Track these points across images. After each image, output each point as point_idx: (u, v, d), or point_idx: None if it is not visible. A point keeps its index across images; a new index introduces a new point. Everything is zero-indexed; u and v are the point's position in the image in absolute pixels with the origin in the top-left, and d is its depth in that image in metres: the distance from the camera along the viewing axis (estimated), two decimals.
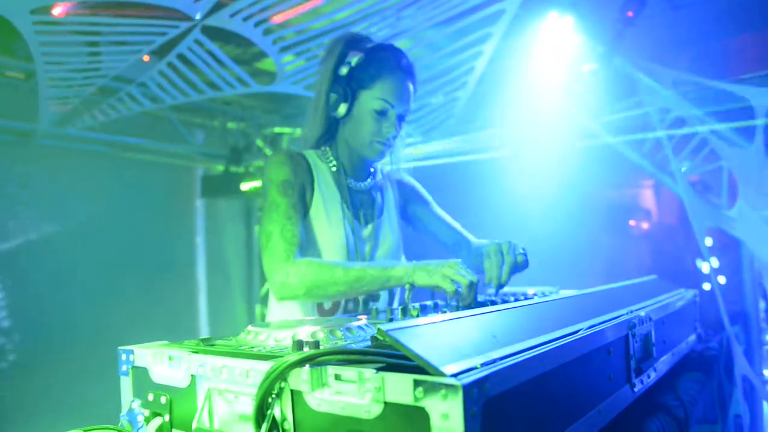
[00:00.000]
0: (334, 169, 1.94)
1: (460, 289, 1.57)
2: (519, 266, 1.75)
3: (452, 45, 3.58)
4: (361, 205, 1.99)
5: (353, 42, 1.89)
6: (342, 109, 1.84)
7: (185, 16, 3.04)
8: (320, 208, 1.86)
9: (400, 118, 1.90)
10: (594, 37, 3.67)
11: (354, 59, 1.84)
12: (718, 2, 3.40)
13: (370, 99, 1.83)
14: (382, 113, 1.84)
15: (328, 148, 1.97)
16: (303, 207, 1.83)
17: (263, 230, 1.76)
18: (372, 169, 2.07)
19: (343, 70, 1.84)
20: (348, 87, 1.83)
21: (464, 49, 3.62)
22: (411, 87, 1.90)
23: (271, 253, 1.71)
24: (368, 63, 1.84)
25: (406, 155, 2.16)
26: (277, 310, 1.91)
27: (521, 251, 1.76)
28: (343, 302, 1.90)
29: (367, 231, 1.97)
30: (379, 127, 1.86)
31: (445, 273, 1.59)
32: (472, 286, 1.57)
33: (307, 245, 1.82)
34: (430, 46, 3.64)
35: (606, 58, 3.74)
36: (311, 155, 1.95)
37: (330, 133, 1.96)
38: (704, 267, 4.28)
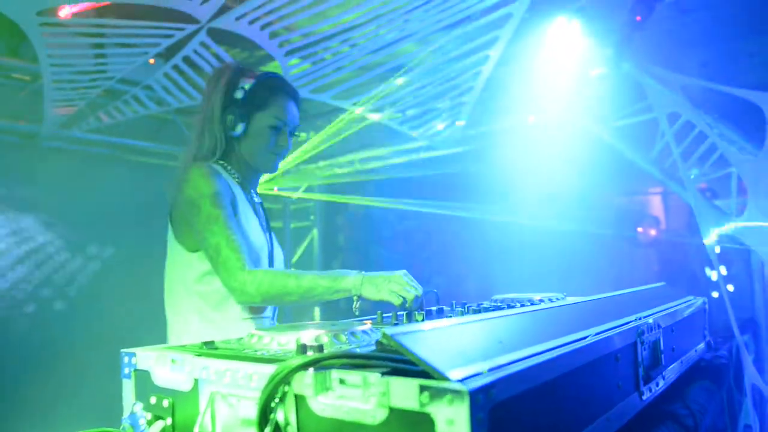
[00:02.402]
0: (237, 181, 2.11)
1: (405, 303, 1.72)
2: None
3: (459, 49, 3.58)
4: (260, 217, 2.18)
5: (241, 70, 2.14)
6: (239, 128, 2.06)
7: (191, 18, 3.04)
8: (244, 220, 2.03)
9: (290, 134, 2.18)
10: (602, 41, 3.66)
11: (247, 84, 2.10)
12: (727, 6, 3.38)
13: (266, 117, 2.09)
14: (276, 129, 2.11)
15: (224, 163, 2.13)
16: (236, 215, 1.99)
17: (208, 245, 1.88)
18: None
19: (238, 94, 2.08)
20: (243, 109, 2.07)
21: (471, 53, 3.61)
22: (296, 108, 2.19)
23: (224, 266, 1.84)
24: (261, 87, 2.10)
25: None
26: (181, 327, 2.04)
27: None
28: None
29: (269, 240, 2.17)
30: (275, 141, 2.12)
31: (392, 288, 1.75)
32: (417, 299, 1.74)
33: None
34: (437, 50, 3.63)
35: (614, 63, 3.72)
36: (218, 167, 2.09)
37: (224, 149, 2.12)
38: (713, 275, 4.25)
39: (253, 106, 2.08)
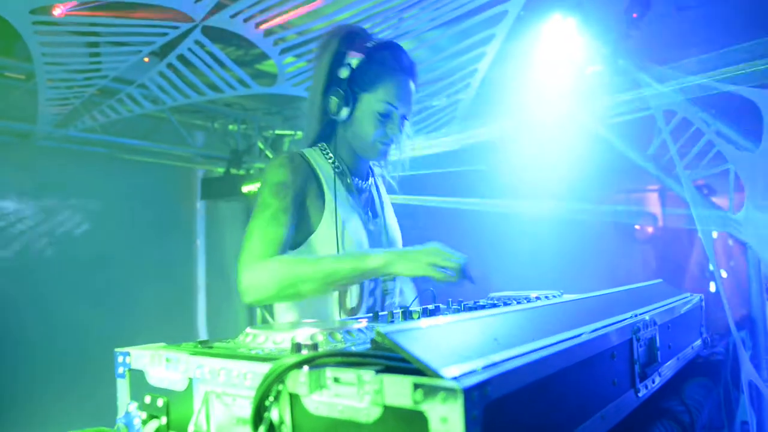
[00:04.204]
0: (335, 167, 1.90)
1: (451, 275, 1.56)
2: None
3: (455, 46, 3.57)
4: (366, 203, 1.97)
5: (350, 39, 1.84)
6: (344, 112, 1.80)
7: (186, 16, 3.03)
8: (332, 208, 1.82)
9: (403, 118, 1.88)
10: (598, 38, 3.66)
11: (354, 60, 1.80)
12: (724, 3, 3.38)
13: (373, 101, 1.80)
14: (385, 115, 1.82)
15: (326, 145, 1.93)
16: (297, 210, 1.77)
17: (246, 230, 1.70)
18: (369, 167, 2.06)
19: (343, 73, 1.80)
20: (349, 89, 1.79)
21: (467, 50, 3.60)
22: (413, 86, 1.87)
23: (246, 252, 1.64)
24: (370, 64, 1.80)
25: (410, 157, 2.07)
26: (289, 311, 1.86)
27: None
28: (366, 299, 1.85)
29: (376, 228, 1.95)
30: (384, 128, 1.83)
31: (430, 261, 1.57)
32: (463, 268, 1.57)
33: (321, 246, 1.78)
34: (432, 48, 3.62)
35: (610, 60, 3.72)
36: (312, 153, 1.90)
37: (327, 131, 1.92)
38: (711, 286, 4.26)
39: (359, 86, 1.80)
